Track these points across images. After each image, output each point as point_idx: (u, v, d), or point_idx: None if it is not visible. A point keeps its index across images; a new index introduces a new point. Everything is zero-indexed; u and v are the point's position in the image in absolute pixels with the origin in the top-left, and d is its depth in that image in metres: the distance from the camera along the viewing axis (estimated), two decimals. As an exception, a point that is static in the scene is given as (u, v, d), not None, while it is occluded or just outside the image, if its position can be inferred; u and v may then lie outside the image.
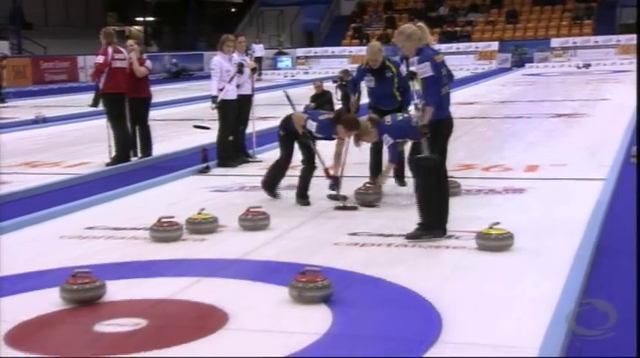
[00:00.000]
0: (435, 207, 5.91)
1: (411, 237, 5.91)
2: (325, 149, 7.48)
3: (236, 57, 9.75)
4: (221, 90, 9.44)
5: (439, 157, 5.90)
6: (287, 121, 7.38)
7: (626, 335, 3.88)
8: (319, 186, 7.42)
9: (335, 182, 7.27)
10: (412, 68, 6.04)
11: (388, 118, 7.20)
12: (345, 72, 14.33)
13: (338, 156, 7.34)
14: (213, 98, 9.50)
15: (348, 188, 7.36)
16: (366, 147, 7.67)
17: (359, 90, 8.11)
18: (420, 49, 5.89)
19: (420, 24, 6.11)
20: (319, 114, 7.53)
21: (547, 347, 3.78)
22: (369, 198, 7.16)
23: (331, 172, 7.29)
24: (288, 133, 7.38)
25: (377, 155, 7.76)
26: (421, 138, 5.88)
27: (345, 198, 7.20)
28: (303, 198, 7.31)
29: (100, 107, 10.14)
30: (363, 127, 7.12)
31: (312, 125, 7.15)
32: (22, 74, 26.81)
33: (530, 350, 3.77)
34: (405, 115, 7.31)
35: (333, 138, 7.26)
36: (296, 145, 7.47)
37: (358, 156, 7.73)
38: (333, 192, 7.29)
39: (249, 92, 9.97)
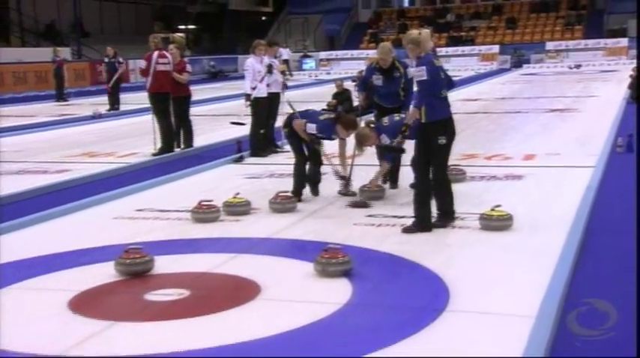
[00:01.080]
0: (428, 202, 5.61)
1: (407, 230, 5.57)
2: (329, 149, 7.03)
3: (266, 59, 9.73)
4: (253, 88, 9.43)
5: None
6: (289, 120, 6.89)
7: (626, 335, 3.61)
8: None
9: (346, 182, 6.84)
10: (411, 69, 5.82)
11: (386, 119, 6.72)
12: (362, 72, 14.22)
13: (342, 156, 6.94)
14: (247, 96, 9.50)
15: (359, 181, 6.93)
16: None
17: (370, 87, 7.38)
18: (422, 56, 5.60)
19: (426, 30, 5.96)
20: (319, 114, 6.94)
21: (542, 316, 3.76)
22: (373, 194, 6.72)
23: (341, 173, 6.88)
24: (292, 131, 6.84)
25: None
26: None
27: (355, 193, 6.77)
28: (315, 187, 6.93)
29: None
30: (362, 132, 6.68)
31: (311, 127, 6.60)
32: (81, 76, 26.98)
33: (527, 318, 3.74)
34: (402, 116, 6.67)
35: (334, 139, 6.80)
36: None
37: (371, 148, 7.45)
38: (344, 190, 6.85)
39: (278, 90, 9.94)
